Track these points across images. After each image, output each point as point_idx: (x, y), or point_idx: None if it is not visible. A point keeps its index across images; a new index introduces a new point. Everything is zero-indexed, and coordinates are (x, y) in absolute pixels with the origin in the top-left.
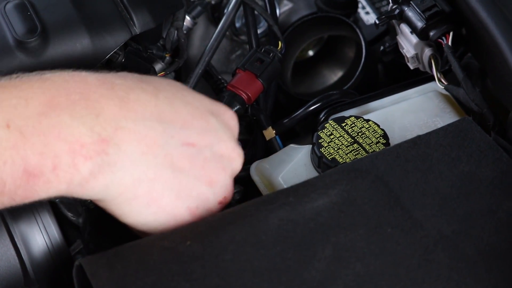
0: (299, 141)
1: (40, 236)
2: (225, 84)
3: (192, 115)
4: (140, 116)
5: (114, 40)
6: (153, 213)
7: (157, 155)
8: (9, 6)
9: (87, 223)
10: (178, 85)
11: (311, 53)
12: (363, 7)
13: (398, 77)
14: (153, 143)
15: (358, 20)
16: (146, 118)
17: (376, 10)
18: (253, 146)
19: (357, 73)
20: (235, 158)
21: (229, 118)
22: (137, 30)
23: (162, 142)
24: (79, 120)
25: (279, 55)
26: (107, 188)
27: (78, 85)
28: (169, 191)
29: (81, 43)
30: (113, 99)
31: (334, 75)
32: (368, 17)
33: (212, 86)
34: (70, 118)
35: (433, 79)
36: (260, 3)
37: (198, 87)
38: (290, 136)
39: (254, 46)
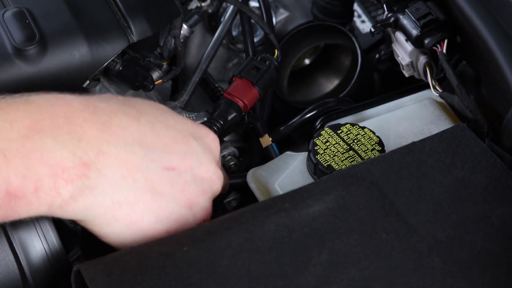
0: (295, 148)
1: (38, 243)
2: (221, 92)
3: (173, 139)
4: (121, 140)
5: (112, 48)
6: (132, 235)
7: (138, 179)
8: (8, 14)
9: (85, 230)
10: (160, 108)
11: (307, 61)
12: (359, 16)
13: (394, 86)
14: (134, 168)
15: (354, 29)
16: (127, 142)
17: (372, 18)
18: (250, 153)
19: (353, 81)
20: (215, 181)
21: (210, 140)
22: (134, 38)
23: (143, 166)
24: (61, 144)
25: (275, 63)
26: (87, 210)
27: (62, 108)
28: (148, 215)
29: (79, 51)
30: (96, 123)
31: (330, 84)
32: (364, 25)
33: (209, 94)
34: (53, 141)
35: (428, 87)
36: (257, 11)
37: (195, 95)
38: (286, 144)
39: (250, 54)
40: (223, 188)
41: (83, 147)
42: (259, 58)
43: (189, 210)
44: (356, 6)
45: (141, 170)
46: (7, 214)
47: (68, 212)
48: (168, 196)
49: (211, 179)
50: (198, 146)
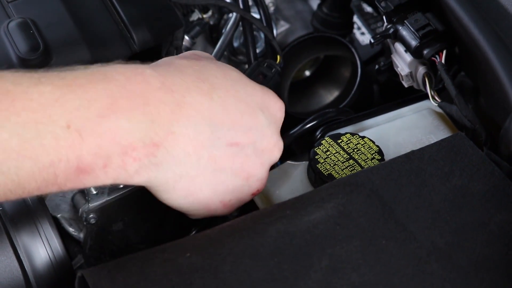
0: (296, 159)
1: (42, 249)
2: None
3: (241, 114)
4: (192, 120)
5: (114, 58)
6: (189, 203)
7: (202, 156)
8: (12, 24)
9: (88, 238)
10: (233, 77)
11: (307, 73)
12: (359, 28)
13: (393, 97)
14: (200, 145)
15: (353, 41)
16: (197, 122)
17: (372, 31)
18: None
19: (353, 92)
20: (275, 152)
21: (277, 110)
22: (137, 48)
23: (209, 144)
24: (135, 125)
25: (278, 69)
26: (148, 181)
27: (140, 86)
28: (207, 187)
29: (82, 61)
30: (170, 103)
31: (330, 95)
32: (364, 37)
33: None
34: (128, 122)
35: (427, 97)
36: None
37: None
38: (287, 155)
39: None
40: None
41: (155, 128)
42: (265, 64)
43: (246, 181)
44: (355, 18)
45: (206, 147)
46: (74, 185)
47: (132, 182)
48: (228, 169)
49: (272, 150)
50: (264, 119)
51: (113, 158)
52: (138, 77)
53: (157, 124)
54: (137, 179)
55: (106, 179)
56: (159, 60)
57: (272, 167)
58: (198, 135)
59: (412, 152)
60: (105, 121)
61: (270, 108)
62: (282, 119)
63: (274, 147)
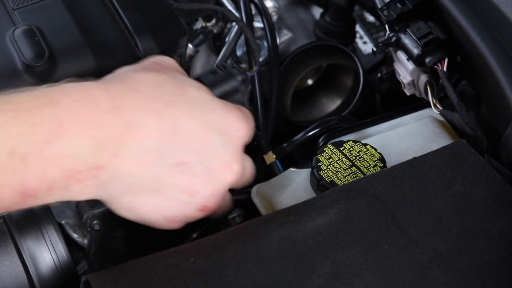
0: (298, 167)
1: (47, 254)
2: None
3: (193, 134)
4: (139, 142)
5: (119, 65)
6: (133, 216)
7: (146, 175)
8: (18, 31)
9: (92, 244)
10: (192, 95)
11: (310, 82)
12: (361, 37)
13: (395, 107)
14: (144, 166)
15: (356, 50)
16: (144, 144)
17: (374, 40)
18: None
19: (355, 100)
20: (227, 172)
21: (236, 129)
22: (141, 55)
23: (154, 164)
24: (80, 149)
25: (244, 75)
26: (93, 197)
27: (88, 109)
28: (149, 203)
29: (87, 68)
30: (118, 126)
31: (333, 104)
32: (366, 47)
33: None
34: (72, 147)
35: (429, 106)
36: (261, 32)
37: None
38: (289, 164)
39: (256, 75)
40: (248, 177)
41: (100, 152)
42: (233, 68)
43: (190, 198)
44: (358, 28)
45: (151, 167)
46: (20, 207)
47: (76, 199)
48: (172, 187)
49: (224, 170)
50: (219, 140)
51: (57, 181)
52: (87, 98)
53: (102, 147)
54: (80, 197)
55: (51, 200)
56: (116, 72)
57: (271, 175)
58: (144, 156)
59: (414, 159)
60: (50, 146)
61: (229, 128)
62: (243, 139)
63: (227, 168)
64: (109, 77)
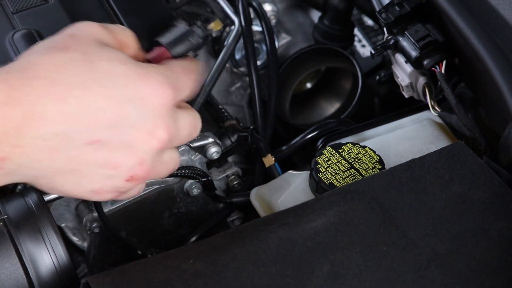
0: (297, 170)
1: (47, 256)
2: (225, 114)
3: (103, 110)
4: (41, 130)
5: None
6: (59, 193)
7: (55, 159)
8: (17, 35)
9: (91, 247)
10: (102, 70)
11: (309, 85)
12: (359, 40)
13: (394, 110)
14: (51, 151)
15: (354, 53)
16: (47, 130)
17: (372, 43)
18: (253, 173)
19: (354, 102)
20: (150, 140)
21: (153, 97)
22: None
23: (62, 147)
24: None
25: (202, 30)
26: (7, 183)
27: None
28: (68, 183)
29: None
30: (16, 118)
31: (331, 107)
32: (364, 50)
33: (213, 116)
34: None
35: (427, 108)
36: (260, 36)
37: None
38: (288, 167)
39: (254, 77)
40: (186, 135)
41: (0, 144)
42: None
43: (114, 171)
44: (356, 31)
45: (59, 150)
46: None
47: None
48: (89, 165)
49: (146, 139)
50: (135, 112)
51: None
52: None
53: (2, 140)
54: None
55: None
56: (23, 56)
57: (270, 178)
58: (49, 142)
59: (413, 160)
60: None
61: (146, 97)
62: (167, 103)
63: (150, 136)
64: (13, 63)
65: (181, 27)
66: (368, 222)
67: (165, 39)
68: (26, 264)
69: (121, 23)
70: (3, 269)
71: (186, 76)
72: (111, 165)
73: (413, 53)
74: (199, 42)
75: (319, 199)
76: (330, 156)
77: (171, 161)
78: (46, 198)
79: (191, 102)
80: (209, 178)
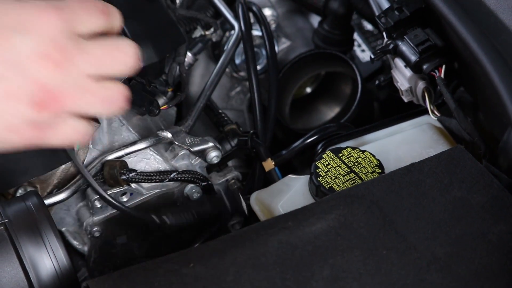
0: (297, 174)
1: (48, 260)
2: (225, 118)
3: None
4: None
5: None
6: None
7: None
8: None
9: (92, 251)
10: None
11: (308, 90)
12: (359, 45)
13: (394, 115)
14: None
15: (354, 58)
16: None
17: (372, 48)
18: (253, 177)
19: (353, 107)
20: (41, 63)
21: (37, 21)
22: (141, 63)
23: None
24: None
25: None
26: None
27: None
28: None
29: None
30: None
31: (331, 111)
32: (364, 55)
33: (213, 120)
34: None
35: (427, 113)
36: (260, 40)
37: (199, 121)
38: (288, 172)
39: (254, 81)
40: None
41: None
42: None
43: (13, 100)
44: (356, 36)
45: None
46: None
47: None
48: None
49: (36, 62)
50: (23, 40)
51: None
52: None
53: None
54: None
55: None
56: None
57: (270, 182)
58: None
59: (412, 164)
60: None
61: (34, 25)
62: (51, 28)
63: (39, 59)
64: None
65: None
66: (368, 226)
67: None
68: (27, 268)
69: (123, 30)
70: (4, 273)
71: (83, 10)
72: (5, 93)
73: (413, 58)
74: None
75: (319, 203)
76: (330, 161)
77: (79, 125)
78: (47, 201)
79: (191, 107)
80: (209, 182)
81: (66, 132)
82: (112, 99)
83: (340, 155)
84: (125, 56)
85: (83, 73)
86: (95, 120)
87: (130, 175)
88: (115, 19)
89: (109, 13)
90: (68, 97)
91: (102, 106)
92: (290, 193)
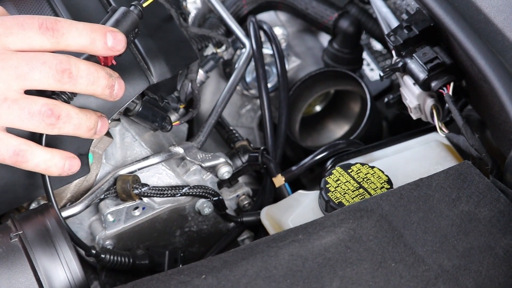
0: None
1: (62, 272)
2: (236, 135)
3: None
4: None
5: (132, 89)
6: None
7: None
8: None
9: (104, 265)
10: None
11: (318, 108)
12: (368, 64)
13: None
14: None
15: (363, 76)
16: None
17: (381, 68)
18: (263, 193)
19: (362, 124)
20: None
21: None
22: (154, 79)
23: None
24: None
25: (137, 8)
26: None
27: None
28: None
29: None
30: None
31: (340, 130)
32: (373, 73)
33: (224, 136)
34: None
35: (434, 130)
36: (270, 59)
37: (210, 138)
38: (297, 187)
39: (265, 100)
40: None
41: None
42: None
43: None
44: (365, 55)
45: None
46: None
47: None
48: None
49: None
50: None
51: None
52: None
53: None
54: None
55: None
56: None
57: (280, 198)
58: None
59: (421, 179)
60: None
61: None
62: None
63: None
64: None
65: (119, 9)
66: (377, 239)
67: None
68: (41, 279)
69: (135, 44)
70: (18, 284)
71: (18, 25)
72: None
73: (421, 75)
74: (135, 19)
75: (329, 217)
76: (340, 176)
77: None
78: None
79: (202, 124)
80: (220, 197)
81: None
82: (40, 112)
83: (349, 171)
84: (47, 67)
85: (8, 89)
86: (108, 134)
87: (143, 189)
88: (70, 36)
89: (56, 30)
90: None
91: (30, 119)
92: (300, 208)
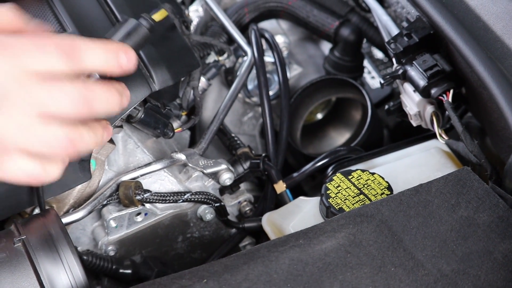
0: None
1: (65, 276)
2: (238, 142)
3: None
4: None
5: (135, 96)
6: None
7: None
8: None
9: (107, 271)
10: None
11: (319, 116)
12: (369, 72)
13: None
14: None
15: (364, 84)
16: None
17: (382, 76)
18: (264, 199)
19: (363, 131)
20: None
21: None
22: (156, 86)
23: None
24: None
25: (148, 21)
26: None
27: None
28: None
29: None
30: None
31: (341, 137)
32: (374, 81)
33: (226, 143)
34: None
35: (434, 137)
36: (272, 67)
37: (212, 146)
38: (298, 193)
39: (266, 107)
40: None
41: None
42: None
43: None
44: (366, 63)
45: None
46: None
47: None
48: None
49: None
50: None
51: None
52: None
53: None
54: None
55: None
56: None
57: (281, 204)
58: None
59: (420, 185)
60: None
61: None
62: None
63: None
64: None
65: (129, 21)
66: (377, 244)
67: (115, 37)
68: (44, 284)
69: (139, 54)
70: None
71: (36, 47)
72: None
73: (421, 82)
74: (146, 34)
75: (329, 222)
76: (340, 182)
77: (27, 165)
78: (63, 220)
79: (204, 131)
80: (222, 203)
81: (11, 171)
82: (57, 141)
83: (350, 177)
84: (68, 98)
85: (26, 115)
86: (111, 141)
87: (145, 195)
88: (86, 59)
89: (73, 53)
90: (10, 139)
91: (48, 147)
92: (301, 214)
